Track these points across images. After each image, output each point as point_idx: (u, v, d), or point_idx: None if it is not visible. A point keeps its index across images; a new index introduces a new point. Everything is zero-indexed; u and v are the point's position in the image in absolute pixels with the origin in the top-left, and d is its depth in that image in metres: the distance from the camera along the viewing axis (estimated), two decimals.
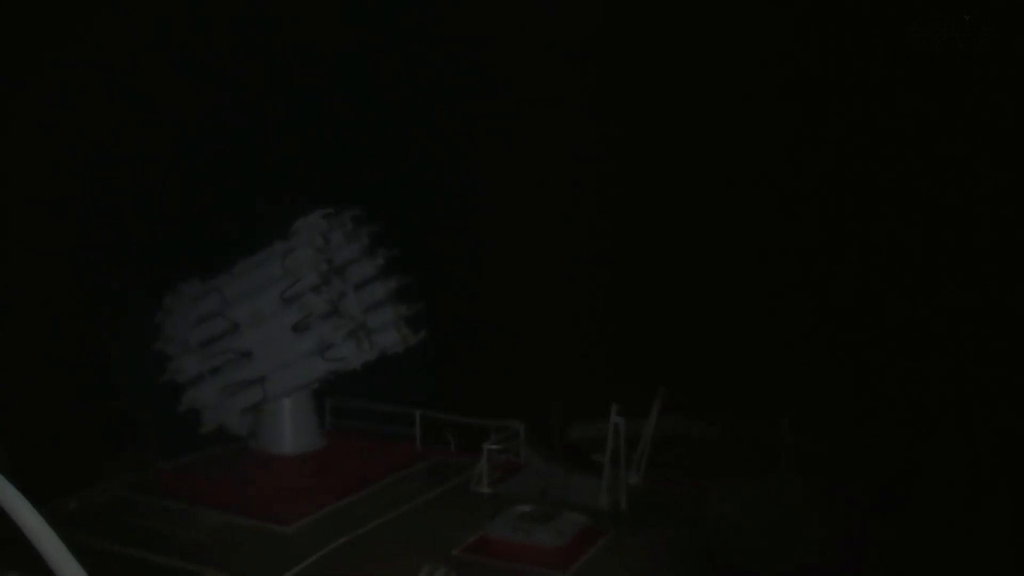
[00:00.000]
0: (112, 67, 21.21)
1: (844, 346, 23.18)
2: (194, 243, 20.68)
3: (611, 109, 27.29)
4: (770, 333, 23.83)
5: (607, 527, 11.90)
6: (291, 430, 15.11)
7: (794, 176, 25.90)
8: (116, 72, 21.36)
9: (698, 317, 25.44)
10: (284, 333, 14.47)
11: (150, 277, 17.59)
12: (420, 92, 27.31)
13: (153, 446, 15.12)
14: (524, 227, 28.06)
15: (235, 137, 23.39)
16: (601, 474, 12.95)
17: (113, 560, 11.08)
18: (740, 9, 25.39)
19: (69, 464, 14.55)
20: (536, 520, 11.50)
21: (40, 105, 20.33)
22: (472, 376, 21.34)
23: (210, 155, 23.21)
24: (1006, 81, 21.36)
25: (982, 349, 20.41)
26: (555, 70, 26.36)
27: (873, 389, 20.79)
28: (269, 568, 10.92)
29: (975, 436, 16.59)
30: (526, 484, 14.55)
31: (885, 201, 24.66)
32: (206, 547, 11.55)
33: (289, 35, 25.09)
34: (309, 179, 24.52)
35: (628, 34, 26.56)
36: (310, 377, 14.84)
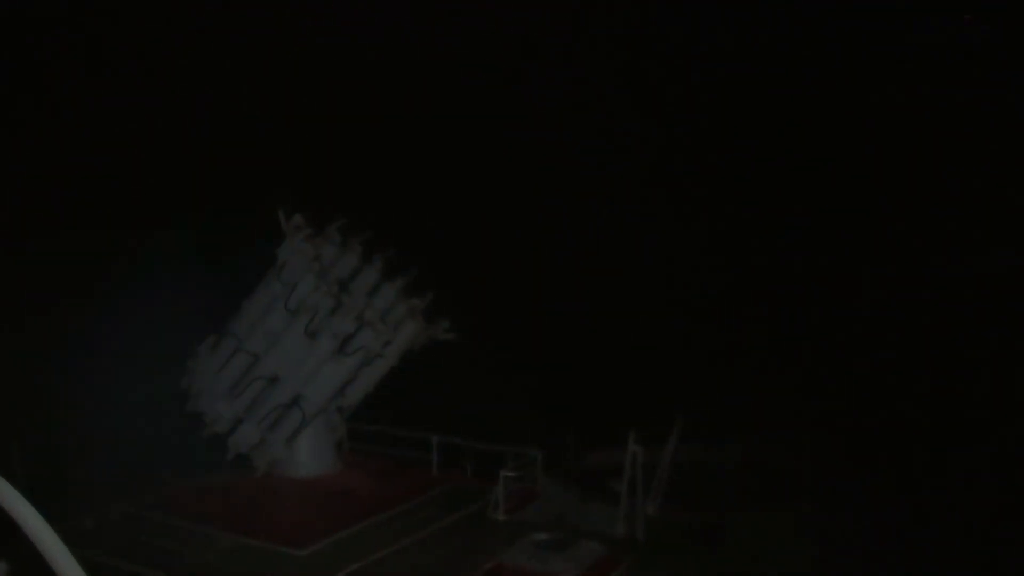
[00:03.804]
0: None
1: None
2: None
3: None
4: (785, 363, 23.73)
5: (624, 556, 11.75)
6: (307, 454, 15.04)
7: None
8: None
9: (715, 345, 25.38)
10: (301, 344, 14.39)
11: None
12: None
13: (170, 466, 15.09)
14: (538, 248, 28.04)
15: None
16: (618, 502, 12.82)
17: None
18: None
19: (86, 482, 14.55)
20: (553, 548, 11.39)
21: None
22: (490, 402, 21.26)
23: None
24: None
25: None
26: None
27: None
28: None
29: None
30: (543, 512, 14.41)
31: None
32: (220, 568, 11.51)
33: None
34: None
35: None
36: (340, 379, 14.68)
